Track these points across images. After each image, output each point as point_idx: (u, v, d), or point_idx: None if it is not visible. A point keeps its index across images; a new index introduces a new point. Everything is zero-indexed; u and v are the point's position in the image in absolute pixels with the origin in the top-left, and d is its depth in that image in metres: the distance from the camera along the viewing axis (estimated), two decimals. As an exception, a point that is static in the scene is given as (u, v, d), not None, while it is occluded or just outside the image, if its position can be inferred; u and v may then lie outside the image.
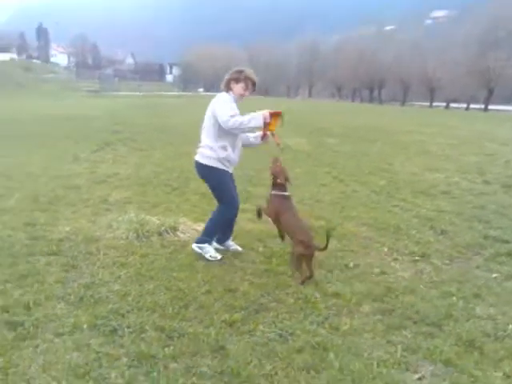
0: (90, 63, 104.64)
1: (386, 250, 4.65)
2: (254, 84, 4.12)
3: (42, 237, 4.70)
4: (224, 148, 4.07)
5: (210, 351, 2.79)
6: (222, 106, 3.92)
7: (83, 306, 3.29)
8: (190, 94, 67.15)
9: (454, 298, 3.54)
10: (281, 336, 2.98)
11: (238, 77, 4.06)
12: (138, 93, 54.30)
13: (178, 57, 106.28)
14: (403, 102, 67.09)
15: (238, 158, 4.27)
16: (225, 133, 4.00)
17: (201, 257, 4.27)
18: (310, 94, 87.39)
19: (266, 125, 3.88)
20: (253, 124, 3.84)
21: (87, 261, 4.12)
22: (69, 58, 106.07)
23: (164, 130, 15.34)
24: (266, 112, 3.84)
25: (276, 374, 2.60)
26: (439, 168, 9.55)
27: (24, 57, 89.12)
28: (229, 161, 4.14)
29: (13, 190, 6.46)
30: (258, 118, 3.81)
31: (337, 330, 3.07)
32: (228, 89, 4.10)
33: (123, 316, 3.16)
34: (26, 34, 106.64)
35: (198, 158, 4.16)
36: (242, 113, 3.94)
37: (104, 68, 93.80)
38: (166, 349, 2.79)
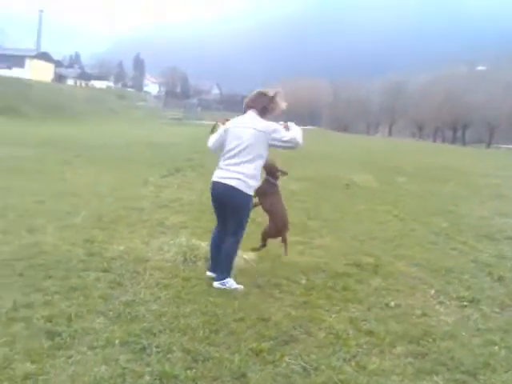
0: (179, 92, 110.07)
1: (432, 292, 4.46)
2: None
3: (98, 253, 4.96)
4: (260, 176, 4.27)
5: (231, 377, 2.81)
6: (277, 126, 4.06)
7: (120, 322, 3.43)
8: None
9: (497, 348, 3.33)
10: (304, 369, 2.94)
11: (274, 107, 4.17)
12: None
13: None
14: (489, 144, 64.12)
15: None
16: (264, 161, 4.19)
17: (245, 285, 4.33)
18: (390, 132, 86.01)
19: None
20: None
21: (133, 280, 4.30)
22: (159, 87, 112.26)
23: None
24: None
25: (292, 407, 2.58)
26: (510, 213, 9.02)
27: (119, 85, 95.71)
28: None
29: (79, 208, 6.90)
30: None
31: (364, 368, 2.98)
32: (263, 115, 4.15)
33: (155, 335, 3.26)
34: (123, 63, 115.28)
35: (240, 186, 4.03)
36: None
37: (191, 97, 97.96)
38: (189, 371, 2.83)
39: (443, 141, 73.80)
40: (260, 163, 4.10)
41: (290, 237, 5.97)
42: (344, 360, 3.08)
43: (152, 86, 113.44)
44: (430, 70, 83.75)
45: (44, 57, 76.69)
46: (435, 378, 2.93)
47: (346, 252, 5.64)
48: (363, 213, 8.18)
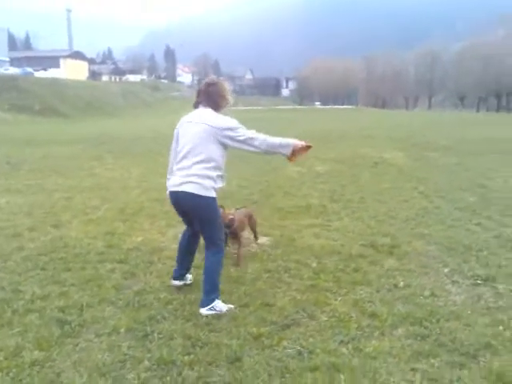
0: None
1: (446, 270, 4.36)
2: None
3: (117, 245, 5.14)
4: (222, 178, 3.61)
5: (226, 362, 2.88)
6: (235, 124, 3.49)
7: (128, 310, 3.57)
8: (306, 107, 68.10)
9: (502, 328, 3.22)
10: (300, 353, 2.97)
11: (225, 96, 3.64)
12: (258, 107, 57.13)
13: (295, 71, 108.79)
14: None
15: None
16: (224, 160, 3.59)
17: (255, 271, 4.39)
18: (429, 106, 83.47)
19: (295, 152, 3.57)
20: (283, 151, 3.52)
21: (146, 270, 4.44)
22: (193, 76, 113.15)
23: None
24: (298, 143, 3.54)
25: (281, 389, 2.62)
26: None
27: (153, 77, 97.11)
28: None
29: (106, 202, 7.12)
30: (289, 146, 3.53)
31: (359, 351, 2.97)
32: (217, 107, 3.61)
33: (158, 322, 3.37)
34: (155, 55, 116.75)
35: (194, 190, 3.43)
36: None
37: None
38: (186, 356, 2.92)
39: (487, 110, 71.10)
40: (216, 163, 3.49)
41: (307, 220, 6.18)
42: (341, 343, 3.08)
43: (185, 76, 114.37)
44: (465, 39, 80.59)
45: (77, 56, 79.07)
46: (432, 360, 2.87)
47: (363, 233, 5.58)
48: (387, 191, 8.03)
